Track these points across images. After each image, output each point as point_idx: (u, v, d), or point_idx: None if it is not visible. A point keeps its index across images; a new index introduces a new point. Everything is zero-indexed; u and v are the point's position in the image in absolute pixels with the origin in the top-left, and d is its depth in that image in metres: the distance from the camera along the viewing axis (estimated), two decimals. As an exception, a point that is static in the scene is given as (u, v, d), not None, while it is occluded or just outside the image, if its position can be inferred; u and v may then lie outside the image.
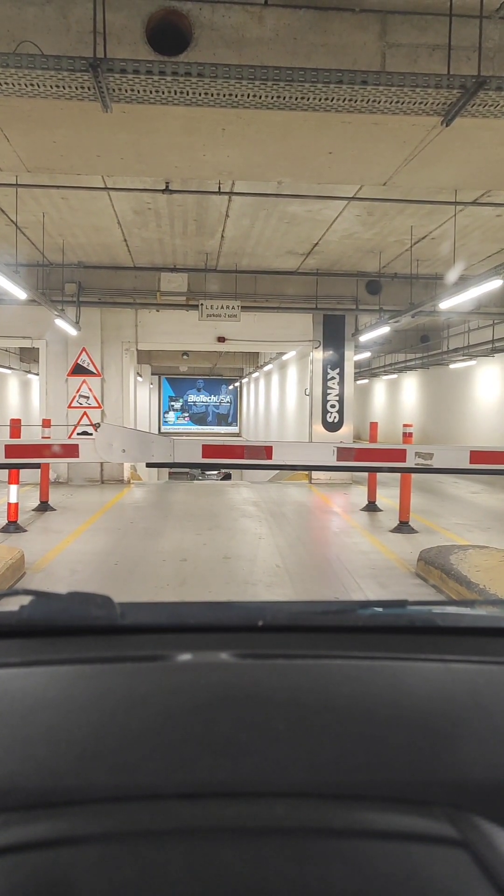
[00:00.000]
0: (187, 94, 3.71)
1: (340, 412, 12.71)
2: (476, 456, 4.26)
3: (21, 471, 7.50)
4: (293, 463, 5.01)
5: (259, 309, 11.97)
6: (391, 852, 0.56)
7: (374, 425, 9.47)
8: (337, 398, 12.70)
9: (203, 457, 3.96)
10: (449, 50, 3.82)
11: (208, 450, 4.02)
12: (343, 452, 4.13)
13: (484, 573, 5.07)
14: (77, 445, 4.74)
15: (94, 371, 12.13)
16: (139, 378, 19.02)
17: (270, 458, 4.06)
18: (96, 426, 5.14)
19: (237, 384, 34.18)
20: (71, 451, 4.96)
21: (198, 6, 3.95)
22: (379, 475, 9.49)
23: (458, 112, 3.83)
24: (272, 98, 3.74)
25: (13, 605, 1.06)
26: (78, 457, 4.61)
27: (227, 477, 20.72)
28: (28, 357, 22.26)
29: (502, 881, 0.52)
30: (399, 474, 7.55)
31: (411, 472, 5.24)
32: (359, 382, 21.71)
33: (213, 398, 35.77)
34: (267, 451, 4.14)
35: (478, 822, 0.60)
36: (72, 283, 11.46)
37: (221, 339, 12.56)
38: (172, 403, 35.58)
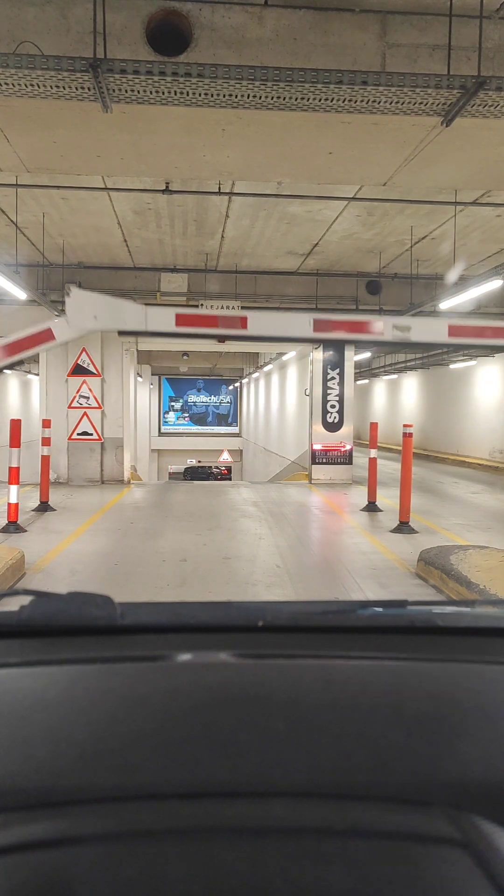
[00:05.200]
0: (187, 95, 3.71)
1: (340, 412, 12.71)
2: (455, 330, 4.12)
3: (21, 471, 7.51)
4: (269, 334, 4.85)
5: (259, 309, 11.96)
6: (391, 852, 0.56)
7: (374, 425, 9.48)
8: (337, 398, 12.69)
9: (176, 325, 3.92)
10: (449, 50, 3.83)
11: (182, 318, 3.99)
12: (320, 324, 4.05)
13: (484, 573, 5.07)
14: (49, 329, 4.40)
15: (95, 371, 12.13)
16: (139, 378, 19.05)
17: (245, 329, 3.99)
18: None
19: (237, 384, 34.20)
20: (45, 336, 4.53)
21: (198, 7, 3.94)
22: (379, 476, 9.49)
23: (458, 112, 3.83)
24: (272, 98, 3.74)
25: (13, 605, 1.06)
26: (55, 340, 4.34)
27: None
28: (28, 357, 22.24)
29: (503, 881, 0.52)
30: (399, 475, 7.55)
31: (388, 346, 4.97)
32: (359, 383, 21.71)
33: (213, 398, 35.78)
34: (242, 321, 4.07)
35: (478, 822, 0.60)
36: (72, 284, 11.45)
37: (221, 340, 12.55)
38: (172, 404, 35.60)
